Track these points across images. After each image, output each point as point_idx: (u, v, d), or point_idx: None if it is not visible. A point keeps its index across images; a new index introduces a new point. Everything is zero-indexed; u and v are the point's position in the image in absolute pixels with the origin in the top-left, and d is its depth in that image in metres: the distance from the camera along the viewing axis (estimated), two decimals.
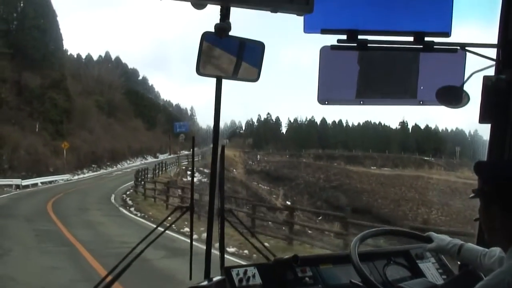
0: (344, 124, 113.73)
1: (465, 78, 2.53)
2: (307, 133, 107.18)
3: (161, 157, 79.92)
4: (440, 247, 2.38)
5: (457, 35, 2.48)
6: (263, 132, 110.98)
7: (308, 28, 2.39)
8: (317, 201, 56.32)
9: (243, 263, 2.56)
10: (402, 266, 2.66)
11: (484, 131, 2.59)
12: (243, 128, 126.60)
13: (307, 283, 2.45)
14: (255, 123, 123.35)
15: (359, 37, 2.40)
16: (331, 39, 2.44)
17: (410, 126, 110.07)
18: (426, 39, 2.45)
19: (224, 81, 2.39)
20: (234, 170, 57.83)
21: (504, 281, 1.52)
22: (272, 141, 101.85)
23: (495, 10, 2.60)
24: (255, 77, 2.45)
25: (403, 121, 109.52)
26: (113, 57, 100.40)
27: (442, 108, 2.60)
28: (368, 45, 2.43)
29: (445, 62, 2.55)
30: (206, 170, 43.06)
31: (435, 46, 2.46)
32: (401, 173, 63.65)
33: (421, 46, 2.47)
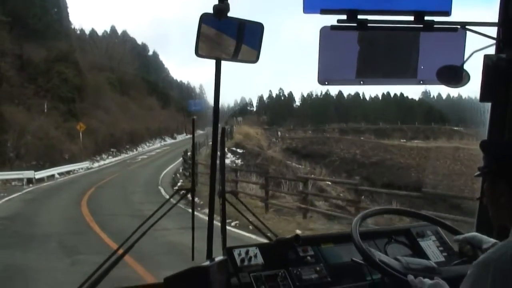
0: (361, 97, 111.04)
1: (466, 57, 2.52)
2: (323, 108, 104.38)
3: (179, 137, 76.37)
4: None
5: (458, 14, 2.46)
6: (278, 108, 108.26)
7: (308, 8, 2.38)
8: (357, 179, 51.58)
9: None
10: (403, 245, 2.68)
11: None
12: (254, 104, 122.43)
13: (308, 262, 2.47)
14: (266, 99, 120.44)
15: (359, 17, 2.39)
16: (331, 19, 2.43)
17: (433, 95, 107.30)
18: (426, 18, 2.44)
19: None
20: (268, 149, 51.15)
21: (507, 254, 1.52)
22: (288, 116, 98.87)
23: None
24: (254, 59, 2.44)
25: (426, 91, 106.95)
26: (119, 31, 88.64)
27: None
28: (368, 25, 2.42)
29: (446, 41, 2.54)
30: (239, 150, 41.35)
31: (435, 25, 2.45)
32: (439, 144, 58.54)
33: (421, 26, 2.46)
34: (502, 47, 2.51)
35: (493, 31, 2.53)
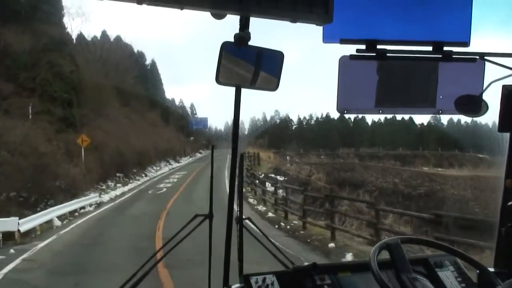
0: (365, 121, 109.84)
1: (484, 87, 2.53)
2: (326, 131, 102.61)
3: (183, 160, 70.90)
4: None
5: (476, 44, 2.48)
6: (276, 131, 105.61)
7: (327, 37, 2.41)
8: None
9: None
10: (421, 275, 2.66)
11: None
12: (246, 127, 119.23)
13: None
14: (260, 122, 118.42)
15: (378, 46, 2.42)
16: (350, 49, 2.46)
17: (444, 121, 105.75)
18: (445, 48, 2.45)
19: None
20: (311, 176, 45.25)
21: None
22: (287, 139, 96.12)
23: None
24: (273, 86, 2.46)
25: (436, 115, 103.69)
26: (111, 37, 72.86)
27: None
28: (387, 54, 2.45)
29: (464, 71, 2.55)
30: (279, 177, 37.88)
31: (454, 56, 2.47)
32: (478, 173, 52.76)
33: (440, 56, 2.48)
34: None
35: (511, 62, 2.54)
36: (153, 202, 28.59)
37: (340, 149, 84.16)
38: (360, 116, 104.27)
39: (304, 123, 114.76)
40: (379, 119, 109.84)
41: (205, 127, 71.87)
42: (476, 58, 2.49)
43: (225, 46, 2.27)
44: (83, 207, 26.40)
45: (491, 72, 2.52)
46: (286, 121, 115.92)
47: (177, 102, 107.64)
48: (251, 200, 28.82)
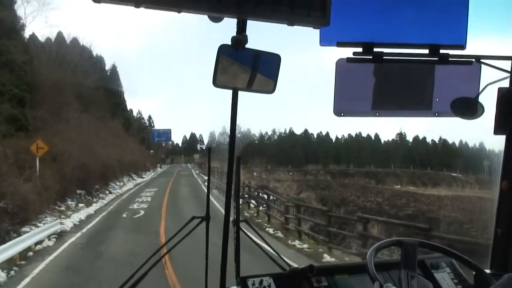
0: (332, 137, 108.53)
1: (480, 90, 2.54)
2: (289, 147, 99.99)
3: (146, 176, 63.20)
4: None
5: (472, 47, 2.49)
6: (237, 145, 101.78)
7: (324, 41, 2.42)
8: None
9: None
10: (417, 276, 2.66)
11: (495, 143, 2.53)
12: (205, 141, 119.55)
13: None
14: (220, 135, 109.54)
15: (375, 49, 2.42)
16: (347, 52, 2.47)
17: (409, 138, 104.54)
18: (441, 51, 2.46)
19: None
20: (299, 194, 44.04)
21: None
22: (249, 154, 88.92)
23: (510, 23, 2.62)
24: (270, 89, 2.46)
25: (401, 133, 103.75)
26: (68, 39, 63.44)
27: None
28: (384, 57, 2.45)
29: (460, 74, 2.56)
30: (269, 196, 27.83)
31: (450, 59, 2.48)
32: (458, 193, 52.01)
33: (436, 59, 2.49)
34: None
35: (507, 65, 2.55)
36: (136, 232, 20.04)
37: (308, 166, 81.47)
38: (321, 131, 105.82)
39: (266, 138, 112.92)
40: (343, 135, 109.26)
41: (168, 140, 70.08)
42: (472, 61, 2.50)
43: (222, 49, 2.27)
44: (39, 242, 16.97)
45: (487, 74, 2.53)
46: (248, 135, 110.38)
47: (134, 113, 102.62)
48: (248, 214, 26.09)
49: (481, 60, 2.50)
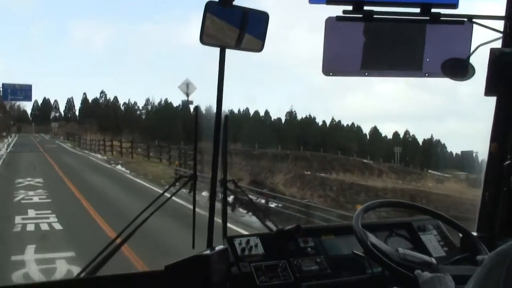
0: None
1: (471, 50, 2.51)
2: (169, 120, 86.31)
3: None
4: None
5: (465, 6, 2.44)
6: (110, 115, 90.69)
7: None
8: None
9: None
10: (404, 238, 2.69)
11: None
12: (62, 109, 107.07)
13: (309, 253, 2.48)
14: (80, 103, 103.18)
15: (365, 8, 2.37)
16: (337, 10, 2.41)
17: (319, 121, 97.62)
18: (433, 10, 2.42)
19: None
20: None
21: None
22: (129, 127, 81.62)
23: None
24: (258, 48, 2.44)
25: (291, 111, 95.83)
26: None
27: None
28: (374, 16, 2.40)
29: (452, 34, 2.52)
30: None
31: (441, 18, 2.43)
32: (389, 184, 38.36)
33: (428, 18, 2.44)
34: (509, 41, 2.51)
35: (500, 25, 2.52)
36: None
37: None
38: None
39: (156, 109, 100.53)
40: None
41: (27, 99, 48.20)
42: (464, 20, 2.45)
43: (209, 6, 2.22)
44: None
45: (479, 35, 2.49)
46: (114, 104, 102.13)
47: None
48: None
49: (473, 20, 2.46)
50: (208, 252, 2.29)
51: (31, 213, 15.46)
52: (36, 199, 18.33)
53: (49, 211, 15.61)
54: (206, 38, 2.32)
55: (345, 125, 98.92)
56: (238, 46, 2.40)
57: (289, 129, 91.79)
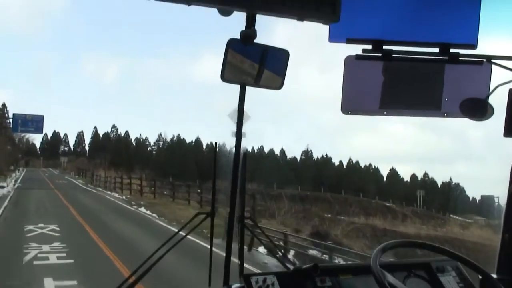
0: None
1: (490, 90, 2.51)
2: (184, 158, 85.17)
3: (6, 186, 42.52)
4: None
5: (483, 46, 2.46)
6: (121, 150, 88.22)
7: (334, 37, 2.39)
8: None
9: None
10: (422, 279, 2.65)
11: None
12: (71, 143, 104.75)
13: None
14: (91, 137, 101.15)
15: (384, 47, 2.40)
16: (356, 49, 2.44)
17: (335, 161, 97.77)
18: (452, 50, 2.43)
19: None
20: None
21: None
22: (144, 163, 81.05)
23: None
24: (278, 85, 2.46)
25: (307, 150, 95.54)
26: None
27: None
28: (393, 55, 2.43)
29: (471, 74, 2.53)
30: None
31: (460, 58, 2.45)
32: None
33: (447, 58, 2.46)
34: None
35: None
36: None
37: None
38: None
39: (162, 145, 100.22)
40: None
41: (38, 131, 44.78)
42: (483, 60, 2.47)
43: (231, 43, 2.26)
44: None
45: (498, 75, 2.50)
46: (126, 139, 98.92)
47: None
48: None
49: (492, 60, 2.47)
50: None
51: (49, 284, 10.97)
52: (53, 258, 13.82)
53: (74, 283, 11.20)
54: (227, 75, 2.35)
55: (362, 166, 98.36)
56: (257, 83, 2.43)
57: (305, 168, 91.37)
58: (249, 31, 1.82)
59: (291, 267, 2.60)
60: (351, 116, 2.60)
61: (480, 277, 2.48)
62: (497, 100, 2.52)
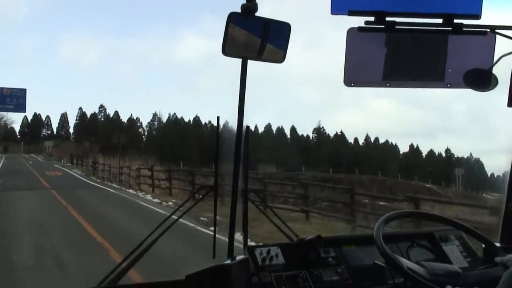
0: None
1: (494, 61, 2.49)
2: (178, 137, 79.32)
3: None
4: None
5: (487, 17, 2.43)
6: (110, 131, 71.98)
7: (335, 9, 2.36)
8: None
9: None
10: (425, 249, 2.67)
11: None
12: (55, 125, 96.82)
13: (330, 263, 2.48)
14: (77, 119, 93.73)
15: (387, 18, 2.37)
16: (358, 21, 2.42)
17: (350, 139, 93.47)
18: (455, 21, 2.40)
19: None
20: None
21: None
22: (137, 146, 73.28)
23: None
24: (280, 59, 2.45)
25: (319, 127, 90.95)
26: None
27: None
28: (396, 27, 2.40)
29: (474, 45, 2.51)
30: None
31: (464, 29, 2.42)
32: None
33: (450, 28, 2.43)
34: None
35: None
36: None
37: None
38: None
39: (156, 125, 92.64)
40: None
41: (20, 109, 32.95)
42: (486, 31, 2.44)
43: (231, 17, 2.24)
44: None
45: (502, 45, 2.47)
46: (118, 120, 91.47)
47: None
48: None
49: (496, 31, 2.44)
50: (229, 261, 2.29)
51: None
52: None
53: None
54: (228, 49, 2.33)
55: (379, 142, 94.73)
56: (260, 57, 2.42)
57: (319, 148, 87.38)
58: (250, 4, 1.81)
59: (295, 239, 2.63)
60: (357, 89, 2.57)
61: (483, 245, 2.50)
62: (501, 71, 2.50)
